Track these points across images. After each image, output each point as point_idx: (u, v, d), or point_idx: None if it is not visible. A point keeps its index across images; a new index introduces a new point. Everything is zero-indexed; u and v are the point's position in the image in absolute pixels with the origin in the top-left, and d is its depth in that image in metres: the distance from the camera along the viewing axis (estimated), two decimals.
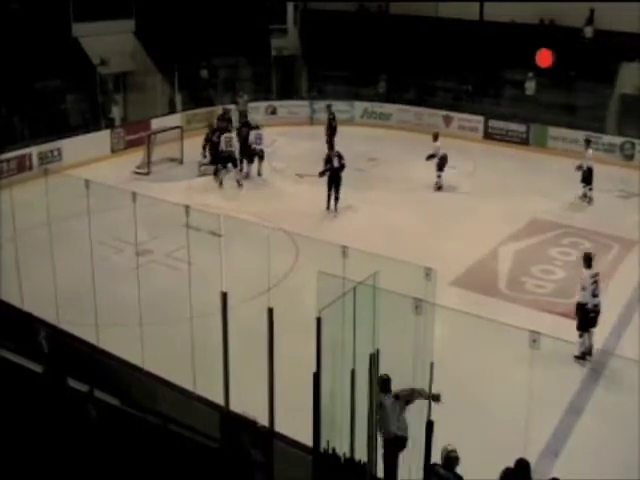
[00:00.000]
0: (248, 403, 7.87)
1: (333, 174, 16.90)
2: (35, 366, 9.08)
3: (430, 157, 18.55)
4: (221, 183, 18.51)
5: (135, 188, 10.73)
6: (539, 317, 11.57)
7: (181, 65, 22.76)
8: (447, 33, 24.19)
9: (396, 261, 8.18)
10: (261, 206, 16.80)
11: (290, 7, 27.20)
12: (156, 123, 21.71)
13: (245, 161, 19.30)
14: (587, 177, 17.41)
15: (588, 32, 23.13)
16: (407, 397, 7.52)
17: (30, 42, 19.65)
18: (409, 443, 7.45)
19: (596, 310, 10.72)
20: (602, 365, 10.46)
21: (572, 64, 22.09)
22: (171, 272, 12.84)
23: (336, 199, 16.95)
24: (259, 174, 19.41)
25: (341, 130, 21.11)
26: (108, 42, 22.32)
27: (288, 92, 25.75)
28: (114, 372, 9.34)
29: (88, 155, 19.72)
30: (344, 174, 16.86)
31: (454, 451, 6.77)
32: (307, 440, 7.32)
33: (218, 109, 22.16)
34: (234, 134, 19.03)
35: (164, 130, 20.56)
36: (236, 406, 8.11)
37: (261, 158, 19.24)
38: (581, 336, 10.76)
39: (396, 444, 7.61)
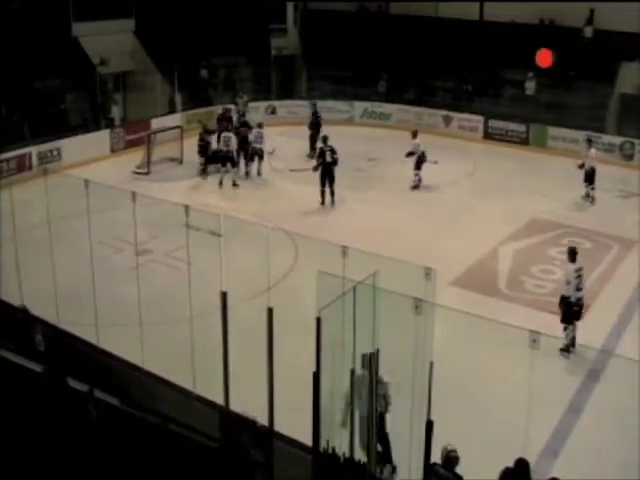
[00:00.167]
0: (248, 403, 7.87)
1: (326, 169, 17.04)
2: (35, 366, 9.07)
3: (409, 154, 18.54)
4: (221, 183, 18.50)
5: (135, 188, 10.72)
6: (539, 317, 11.57)
7: (181, 65, 22.76)
8: (447, 33, 24.20)
9: (396, 261, 8.17)
10: (261, 206, 16.81)
11: (290, 7, 27.22)
12: (156, 123, 21.73)
13: (244, 161, 19.33)
14: (590, 176, 17.43)
15: (588, 32, 23.15)
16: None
17: (30, 42, 19.65)
18: (409, 443, 7.45)
19: (579, 304, 10.91)
20: (602, 365, 10.46)
21: (572, 64, 22.10)
22: (171, 272, 12.84)
23: (331, 193, 17.13)
24: (259, 174, 19.41)
25: (341, 130, 21.14)
26: (108, 42, 22.33)
27: (288, 92, 25.76)
28: (114, 372, 9.33)
29: (88, 155, 19.74)
30: (344, 173, 16.89)
31: (454, 451, 6.77)
32: (307, 440, 7.32)
33: (218, 109, 22.17)
34: (233, 134, 19.03)
35: (164, 130, 20.58)
36: (236, 406, 8.10)
37: (261, 157, 19.24)
38: (565, 329, 10.95)
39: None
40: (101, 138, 20.92)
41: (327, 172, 17.09)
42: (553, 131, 22.10)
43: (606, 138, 20.81)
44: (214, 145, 19.80)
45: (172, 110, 23.33)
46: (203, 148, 19.44)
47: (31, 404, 7.74)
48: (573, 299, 10.88)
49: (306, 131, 21.00)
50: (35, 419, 7.51)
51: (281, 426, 7.83)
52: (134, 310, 9.27)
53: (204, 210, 8.81)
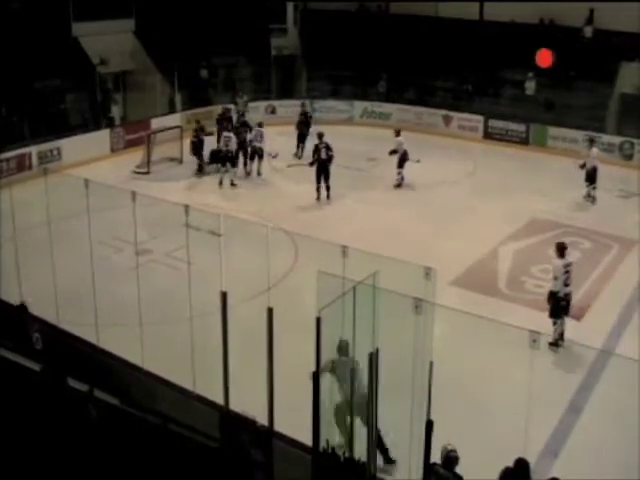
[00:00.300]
0: (248, 403, 7.87)
1: (321, 165, 17.23)
2: (34, 365, 9.08)
3: (392, 152, 18.58)
4: (221, 183, 18.51)
5: (135, 187, 10.71)
6: (539, 317, 11.53)
7: (181, 65, 22.77)
8: (447, 33, 24.21)
9: (396, 261, 8.17)
10: (261, 205, 16.81)
11: (290, 7, 27.22)
12: (156, 123, 21.72)
13: (243, 160, 19.34)
14: (591, 176, 17.43)
15: (588, 32, 23.15)
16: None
17: (30, 42, 19.66)
18: (409, 443, 7.45)
19: (567, 299, 11.03)
20: (602, 365, 10.46)
21: (572, 64, 22.11)
22: (171, 272, 12.84)
23: (327, 188, 17.37)
24: (259, 173, 19.41)
25: (341, 130, 21.15)
26: (108, 41, 22.33)
27: (288, 92, 25.75)
28: (114, 372, 9.34)
29: (88, 155, 19.73)
30: (344, 173, 16.92)
31: (454, 451, 6.77)
32: (307, 439, 7.32)
33: (217, 109, 22.16)
34: (233, 134, 19.03)
35: (164, 130, 20.57)
36: (236, 406, 8.11)
37: (260, 157, 19.25)
38: (554, 324, 11.06)
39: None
40: (101, 138, 20.92)
41: (322, 169, 17.30)
42: (553, 131, 22.10)
43: (606, 138, 20.79)
44: (205, 145, 19.77)
45: (172, 110, 23.33)
46: (196, 147, 19.40)
47: (31, 404, 7.75)
48: (561, 294, 11.00)
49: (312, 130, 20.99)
50: (35, 419, 7.51)
51: (281, 426, 7.84)
52: (134, 310, 9.27)
53: (204, 210, 8.80)
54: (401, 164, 18.50)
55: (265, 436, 7.64)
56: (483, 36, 23.40)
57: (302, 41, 27.19)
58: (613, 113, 21.80)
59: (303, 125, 21.25)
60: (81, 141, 20.18)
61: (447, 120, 24.07)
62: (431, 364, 6.41)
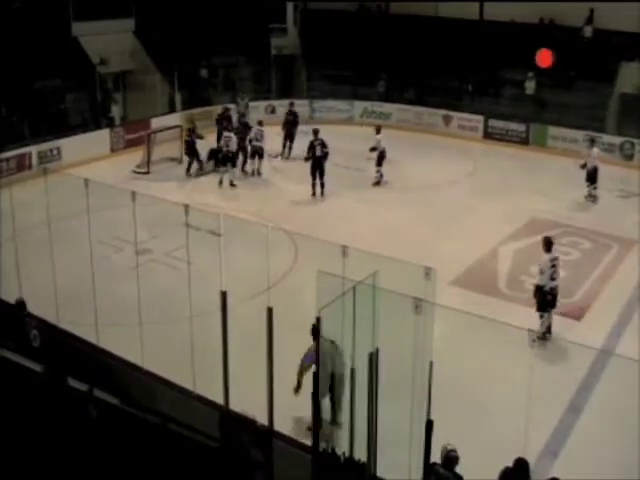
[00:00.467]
0: (248, 402, 7.87)
1: (316, 162, 17.41)
2: (35, 365, 9.08)
3: (372, 149, 18.63)
4: (221, 182, 18.51)
5: (135, 187, 10.71)
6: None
7: (181, 64, 22.78)
8: (447, 33, 24.21)
9: (396, 260, 8.17)
10: (261, 205, 16.81)
11: (290, 7, 27.21)
12: (156, 122, 21.73)
13: (242, 160, 19.35)
14: (592, 176, 17.44)
15: (588, 32, 23.16)
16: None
17: (30, 41, 19.65)
18: (408, 442, 7.45)
19: (553, 293, 11.18)
20: (602, 365, 10.46)
21: (572, 64, 22.12)
22: (171, 271, 12.84)
23: (321, 185, 17.55)
24: (259, 173, 19.42)
25: (341, 129, 21.16)
26: (108, 41, 22.34)
27: (288, 91, 25.73)
28: (114, 372, 9.34)
29: (88, 154, 19.73)
30: (345, 173, 16.92)
31: (454, 450, 6.77)
32: (306, 439, 7.32)
33: (217, 108, 22.15)
34: (233, 134, 19.03)
35: (164, 129, 20.56)
36: (236, 405, 8.11)
37: (260, 156, 19.26)
38: (541, 317, 11.19)
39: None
40: (101, 138, 20.93)
41: (317, 165, 17.50)
42: (553, 131, 22.09)
43: (606, 138, 20.79)
44: (205, 145, 19.76)
45: (172, 110, 23.33)
46: (189, 146, 19.35)
47: (31, 403, 7.75)
48: (547, 288, 11.13)
49: (305, 130, 20.96)
50: (35, 418, 7.51)
51: (281, 426, 7.84)
52: (134, 310, 9.27)
53: (204, 210, 8.80)
54: (380, 162, 18.62)
55: (265, 436, 7.64)
56: (483, 36, 23.40)
57: (302, 41, 27.19)
58: (613, 113, 21.79)
59: (291, 125, 21.25)
60: (81, 141, 20.18)
61: (447, 120, 24.07)
62: (431, 364, 6.41)
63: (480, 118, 23.47)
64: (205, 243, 8.03)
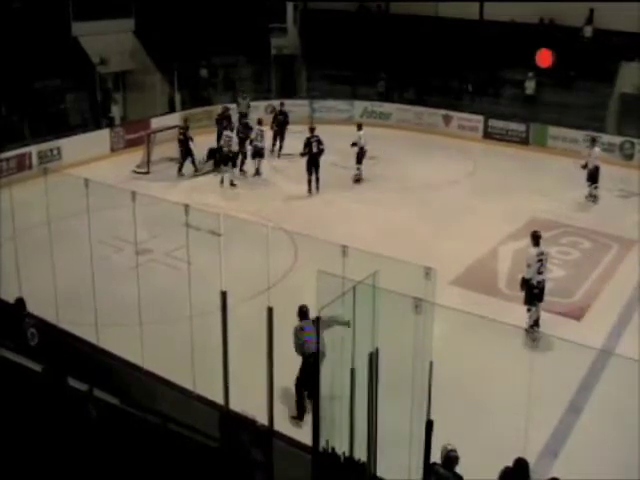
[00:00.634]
0: (248, 402, 7.88)
1: (312, 159, 17.72)
2: (35, 365, 9.08)
3: (353, 145, 18.75)
4: (222, 181, 18.52)
5: (135, 187, 10.73)
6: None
7: (181, 64, 22.78)
8: (447, 33, 24.20)
9: (396, 260, 8.17)
10: (261, 205, 16.81)
11: (290, 6, 27.19)
12: (156, 122, 21.72)
13: (241, 160, 19.35)
14: (593, 175, 17.44)
15: (588, 31, 23.16)
16: (326, 323, 8.01)
17: (30, 41, 19.65)
18: (408, 442, 7.46)
19: (540, 286, 11.31)
20: (602, 365, 10.46)
21: (572, 64, 22.12)
22: (171, 271, 12.84)
23: (317, 180, 17.88)
24: (259, 173, 19.42)
25: (341, 129, 21.11)
26: (108, 41, 22.33)
27: (288, 91, 25.72)
28: (114, 371, 9.34)
29: (88, 154, 19.73)
30: (344, 173, 16.91)
31: (454, 450, 6.76)
32: (306, 439, 7.32)
33: (217, 108, 22.15)
34: (234, 134, 19.03)
35: (163, 129, 20.56)
36: (236, 405, 8.11)
37: (261, 156, 19.28)
38: (529, 310, 11.34)
39: (315, 358, 8.19)
40: (101, 137, 20.93)
41: (313, 162, 17.78)
42: (553, 131, 22.09)
43: (606, 138, 20.75)
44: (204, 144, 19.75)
45: (172, 109, 23.32)
46: (182, 145, 19.31)
47: (31, 403, 7.75)
48: (534, 282, 11.25)
49: (302, 129, 20.97)
50: (35, 418, 7.51)
51: (281, 425, 7.84)
52: (134, 310, 9.28)
53: (204, 209, 8.80)
54: (359, 159, 18.77)
55: (265, 436, 7.64)
56: (483, 36, 23.39)
57: (302, 41, 27.18)
58: (613, 113, 21.78)
59: (281, 125, 21.28)
60: (81, 141, 20.18)
61: (447, 120, 24.06)
62: (431, 364, 6.41)
63: (480, 118, 23.46)
64: (205, 243, 8.03)
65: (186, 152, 19.31)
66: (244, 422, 7.71)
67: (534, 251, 11.36)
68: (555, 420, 9.26)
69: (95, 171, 16.83)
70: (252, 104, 23.47)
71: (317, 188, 17.95)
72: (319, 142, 17.78)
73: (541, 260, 11.31)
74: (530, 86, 23.13)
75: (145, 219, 11.43)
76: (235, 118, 21.28)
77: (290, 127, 21.40)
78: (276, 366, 7.71)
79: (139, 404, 8.60)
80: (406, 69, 24.51)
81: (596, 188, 17.51)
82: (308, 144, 17.78)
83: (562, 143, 21.80)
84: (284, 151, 20.84)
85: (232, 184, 18.49)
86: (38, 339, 9.91)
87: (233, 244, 11.00)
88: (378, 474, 7.37)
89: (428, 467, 6.78)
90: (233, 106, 22.52)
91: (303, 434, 7.79)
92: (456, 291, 12.44)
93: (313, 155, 17.74)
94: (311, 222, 15.71)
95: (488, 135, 23.34)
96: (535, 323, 11.32)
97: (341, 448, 7.23)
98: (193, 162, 19.42)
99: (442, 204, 17.45)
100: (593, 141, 18.08)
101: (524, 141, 22.63)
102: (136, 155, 20.14)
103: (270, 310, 7.52)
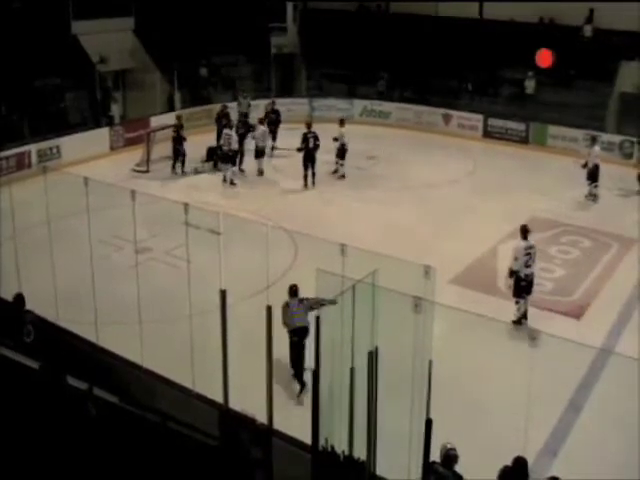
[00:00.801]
0: (247, 401, 7.87)
1: (308, 154, 18.05)
2: (33, 363, 9.07)
3: (335, 139, 18.87)
4: (224, 179, 18.54)
5: (134, 186, 10.73)
6: (539, 316, 11.58)
7: (180, 63, 22.79)
8: (447, 32, 24.20)
9: (395, 259, 8.17)
10: (260, 204, 16.81)
11: (290, 6, 27.19)
12: (155, 121, 21.71)
13: (239, 159, 19.36)
14: (593, 174, 17.45)
15: (587, 31, 23.16)
16: (311, 303, 9.13)
17: (30, 40, 19.64)
18: (408, 441, 7.46)
19: (528, 280, 11.45)
20: (602, 364, 10.46)
21: (572, 63, 22.14)
22: (170, 270, 12.84)
23: (313, 174, 18.24)
24: (260, 173, 19.41)
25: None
26: (107, 40, 22.32)
27: (287, 90, 25.74)
28: (113, 370, 9.33)
29: (87, 153, 19.74)
30: (345, 171, 16.88)
31: (453, 449, 6.77)
32: (306, 438, 7.32)
33: (217, 107, 22.13)
34: (233, 131, 19.03)
35: (163, 128, 20.52)
36: (235, 404, 8.11)
37: (263, 156, 19.31)
38: (517, 302, 11.50)
39: (300, 333, 9.32)
40: (101, 136, 20.93)
41: (309, 157, 18.10)
42: (553, 130, 22.09)
43: (606, 137, 20.75)
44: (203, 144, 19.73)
45: (171, 108, 23.31)
46: (175, 143, 19.35)
47: (30, 402, 7.74)
48: (521, 274, 11.38)
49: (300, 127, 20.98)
50: (34, 417, 7.50)
51: (280, 424, 7.84)
52: (134, 308, 9.28)
53: (203, 208, 8.80)
54: (341, 155, 18.89)
55: (264, 434, 7.64)
56: (483, 35, 23.38)
57: (302, 40, 27.18)
58: (613, 112, 21.79)
59: (274, 123, 21.30)
60: (81, 139, 20.18)
61: (447, 119, 24.06)
62: (430, 363, 6.41)
63: (480, 117, 23.47)
64: (205, 242, 8.03)
65: (177, 150, 19.30)
66: (243, 421, 7.70)
67: (522, 244, 11.48)
68: (554, 419, 9.27)
69: (95, 170, 16.84)
70: (252, 103, 23.47)
71: (313, 183, 18.18)
72: (315, 138, 18.04)
73: (529, 254, 11.43)
74: (530, 85, 23.15)
75: (145, 218, 11.43)
76: (235, 116, 21.26)
77: (290, 125, 21.39)
78: (275, 365, 7.71)
79: (138, 402, 8.58)
80: (406, 68, 24.50)
81: (596, 187, 17.53)
82: (305, 139, 18.02)
83: (562, 142, 21.81)
84: (281, 146, 20.90)
85: (232, 183, 18.50)
86: (34, 336, 9.88)
87: (233, 243, 11.01)
88: (377, 473, 7.37)
89: (427, 466, 6.78)
90: (233, 105, 22.50)
91: (303, 433, 7.79)
92: (456, 290, 12.44)
93: (309, 150, 18.02)
94: (311, 221, 15.72)
95: (488, 134, 23.34)
96: (523, 316, 11.45)
97: (341, 447, 7.23)
98: (183, 162, 19.39)
99: (442, 203, 17.46)
100: (593, 140, 18.10)
101: (524, 140, 22.63)
102: (136, 154, 20.14)
103: (269, 309, 7.52)
